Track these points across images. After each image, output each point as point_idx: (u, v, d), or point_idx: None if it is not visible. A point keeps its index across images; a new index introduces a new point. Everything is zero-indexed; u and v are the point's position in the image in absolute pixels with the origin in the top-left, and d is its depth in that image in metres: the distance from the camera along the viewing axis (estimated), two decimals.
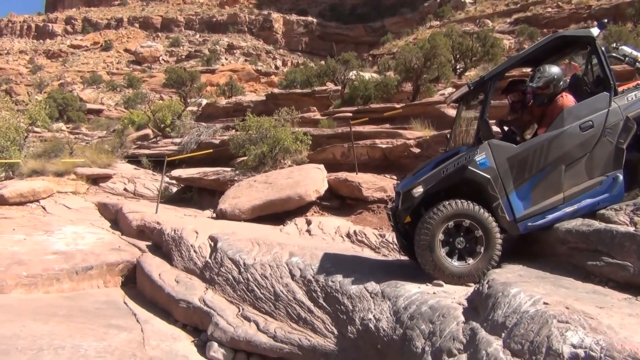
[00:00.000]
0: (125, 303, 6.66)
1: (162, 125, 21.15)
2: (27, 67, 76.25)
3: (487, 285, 4.13)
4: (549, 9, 51.89)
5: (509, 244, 6.29)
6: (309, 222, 9.52)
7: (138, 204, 13.01)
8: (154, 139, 20.88)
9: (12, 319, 5.38)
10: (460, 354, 3.47)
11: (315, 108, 23.91)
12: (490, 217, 4.98)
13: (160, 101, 37.34)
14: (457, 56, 25.85)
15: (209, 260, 6.81)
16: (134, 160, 18.76)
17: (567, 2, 51.89)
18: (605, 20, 5.70)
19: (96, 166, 16.86)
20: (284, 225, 9.67)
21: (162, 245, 8.08)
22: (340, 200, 10.84)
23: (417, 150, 11.98)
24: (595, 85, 5.38)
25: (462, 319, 3.96)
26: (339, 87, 26.49)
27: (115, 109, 50.04)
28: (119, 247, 8.66)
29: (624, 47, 5.47)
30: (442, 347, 3.69)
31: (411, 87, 21.79)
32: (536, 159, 5.05)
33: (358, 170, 11.68)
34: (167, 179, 14.92)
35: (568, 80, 5.63)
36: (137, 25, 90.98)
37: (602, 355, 2.77)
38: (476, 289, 4.34)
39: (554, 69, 5.37)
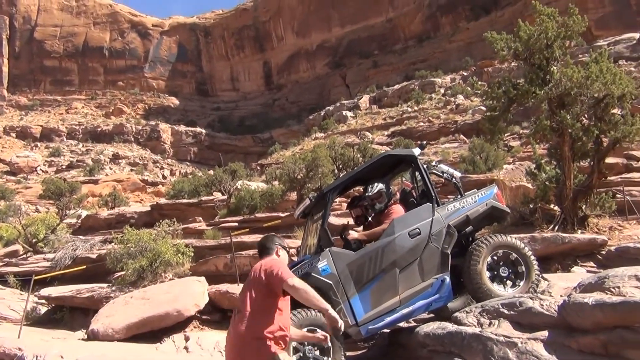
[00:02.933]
0: None
1: (33, 240, 19.84)
2: None
3: None
4: (421, 123, 56.91)
5: (380, 349, 6.55)
6: (187, 339, 9.19)
7: (0, 328, 11.88)
8: (24, 255, 19.44)
9: None
10: None
11: (201, 218, 23.78)
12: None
13: (35, 213, 35.16)
14: (340, 166, 27.31)
15: None
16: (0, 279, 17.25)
17: (436, 118, 57.32)
18: (424, 143, 6.71)
19: None
20: (160, 343, 9.23)
21: None
22: (222, 314, 10.60)
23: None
24: (421, 198, 6.12)
25: None
26: (226, 197, 26.71)
27: None
28: None
29: (441, 165, 6.40)
30: None
31: (296, 196, 22.52)
32: (372, 264, 5.50)
33: (240, 281, 11.62)
34: (36, 299, 13.83)
35: (399, 194, 6.36)
36: (13, 134, 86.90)
37: None
38: None
39: (381, 183, 6.13)
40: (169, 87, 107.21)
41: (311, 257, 5.60)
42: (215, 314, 10.57)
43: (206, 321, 10.31)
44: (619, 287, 4.24)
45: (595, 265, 8.39)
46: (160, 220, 16.59)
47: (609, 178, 11.93)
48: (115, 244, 14.05)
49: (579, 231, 9.38)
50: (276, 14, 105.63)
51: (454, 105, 59.48)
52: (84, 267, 14.14)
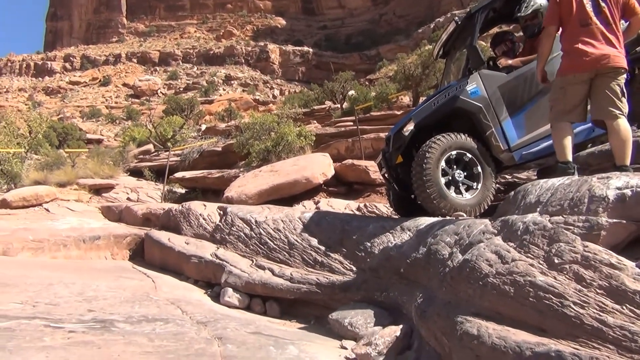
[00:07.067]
0: (134, 267, 6.49)
1: (163, 140, 21.16)
2: (26, 104, 76.67)
3: (513, 191, 3.98)
4: None
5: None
6: (316, 202, 9.40)
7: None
8: (156, 153, 20.83)
9: (19, 267, 5.22)
10: (493, 237, 3.30)
11: (315, 121, 24.00)
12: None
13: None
14: None
15: (220, 224, 6.66)
16: (136, 173, 18.66)
17: None
18: None
19: (98, 177, 16.74)
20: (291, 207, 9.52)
21: (170, 222, 7.91)
22: (347, 187, 10.71)
23: None
24: None
25: (490, 222, 3.81)
26: (338, 106, 26.62)
27: (115, 139, 50.07)
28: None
29: None
30: (471, 242, 3.52)
31: (410, 100, 21.91)
32: (528, 87, 4.96)
33: (365, 158, 11.60)
34: (170, 188, 14.84)
35: None
36: (134, 60, 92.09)
37: None
38: (502, 202, 4.20)
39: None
40: (275, 7, 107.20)
41: (458, 81, 5.23)
42: (341, 186, 10.68)
43: (333, 192, 10.44)
44: None
45: None
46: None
47: None
48: (242, 131, 14.52)
49: None
50: None
51: None
52: (219, 149, 14.79)
